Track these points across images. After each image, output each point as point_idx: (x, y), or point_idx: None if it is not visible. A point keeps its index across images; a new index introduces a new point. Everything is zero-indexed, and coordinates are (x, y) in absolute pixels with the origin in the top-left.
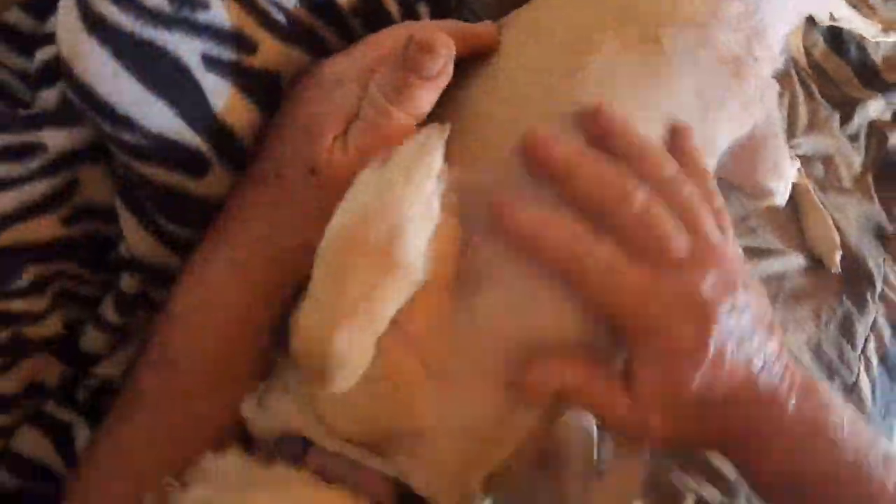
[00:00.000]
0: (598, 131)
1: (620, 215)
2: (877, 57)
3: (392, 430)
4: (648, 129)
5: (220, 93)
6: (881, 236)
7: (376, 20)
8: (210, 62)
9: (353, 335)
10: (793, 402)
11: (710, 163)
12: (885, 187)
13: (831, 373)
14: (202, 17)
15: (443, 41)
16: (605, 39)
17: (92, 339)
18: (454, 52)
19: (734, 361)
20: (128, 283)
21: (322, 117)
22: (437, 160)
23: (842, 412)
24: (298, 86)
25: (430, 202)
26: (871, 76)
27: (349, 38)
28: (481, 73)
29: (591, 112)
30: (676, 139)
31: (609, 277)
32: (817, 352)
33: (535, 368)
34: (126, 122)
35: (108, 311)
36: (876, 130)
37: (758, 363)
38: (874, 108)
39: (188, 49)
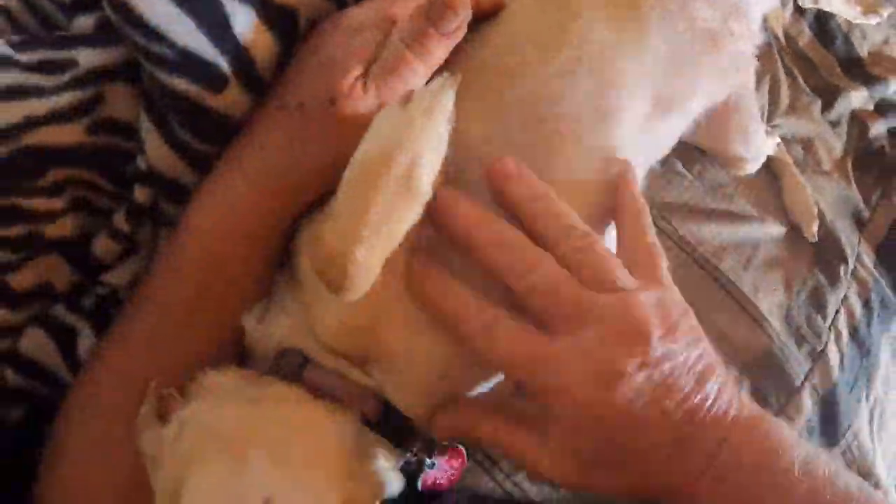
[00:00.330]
0: (497, 186)
1: (517, 283)
2: (862, 50)
3: (370, 348)
4: (621, 88)
5: (242, 18)
6: (858, 220)
7: None
8: None
9: (371, 250)
10: (731, 446)
11: (682, 124)
12: (863, 175)
13: (800, 338)
14: None
15: (463, 3)
16: (590, 3)
17: (103, 246)
18: (470, 14)
19: (647, 415)
20: (139, 194)
21: (344, 57)
22: (450, 104)
23: (794, 452)
24: (320, 29)
25: (442, 141)
26: (856, 68)
27: None
28: (484, 29)
29: (491, 169)
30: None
31: (494, 343)
32: (787, 317)
33: (444, 416)
34: (156, 36)
35: (120, 221)
36: (857, 120)
37: (678, 413)
38: (857, 98)
39: None
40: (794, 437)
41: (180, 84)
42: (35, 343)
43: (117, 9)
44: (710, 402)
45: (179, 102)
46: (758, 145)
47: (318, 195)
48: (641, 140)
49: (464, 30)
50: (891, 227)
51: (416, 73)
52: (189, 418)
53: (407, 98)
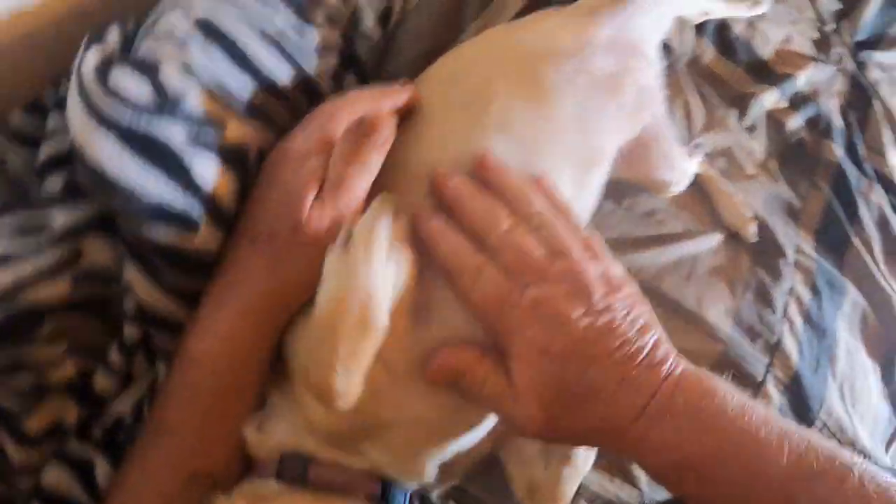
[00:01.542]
0: (482, 175)
1: (491, 236)
2: (766, 52)
3: (363, 423)
4: (544, 155)
5: (202, 163)
6: (792, 213)
7: (314, 95)
8: (192, 139)
9: (347, 379)
10: (665, 391)
11: (602, 168)
12: (789, 169)
13: (753, 335)
14: (181, 106)
15: (387, 119)
16: (497, 87)
17: (102, 382)
18: (395, 123)
19: (593, 352)
20: (129, 332)
21: (300, 183)
22: (387, 233)
23: (728, 398)
24: (272, 162)
25: (388, 265)
26: (763, 70)
27: (294, 111)
28: (408, 125)
29: (476, 160)
30: (540, 183)
31: (477, 284)
32: (737, 319)
33: (435, 356)
34: (130, 195)
35: (114, 357)
36: (773, 120)
37: (618, 354)
38: (768, 99)
39: (174, 132)
40: (730, 388)
41: (158, 233)
42: (56, 478)
43: (89, 172)
44: (647, 350)
45: (160, 249)
46: (682, 167)
47: (303, 302)
48: (580, 199)
49: (392, 138)
50: (824, 212)
51: (362, 182)
52: None
53: (347, 237)
